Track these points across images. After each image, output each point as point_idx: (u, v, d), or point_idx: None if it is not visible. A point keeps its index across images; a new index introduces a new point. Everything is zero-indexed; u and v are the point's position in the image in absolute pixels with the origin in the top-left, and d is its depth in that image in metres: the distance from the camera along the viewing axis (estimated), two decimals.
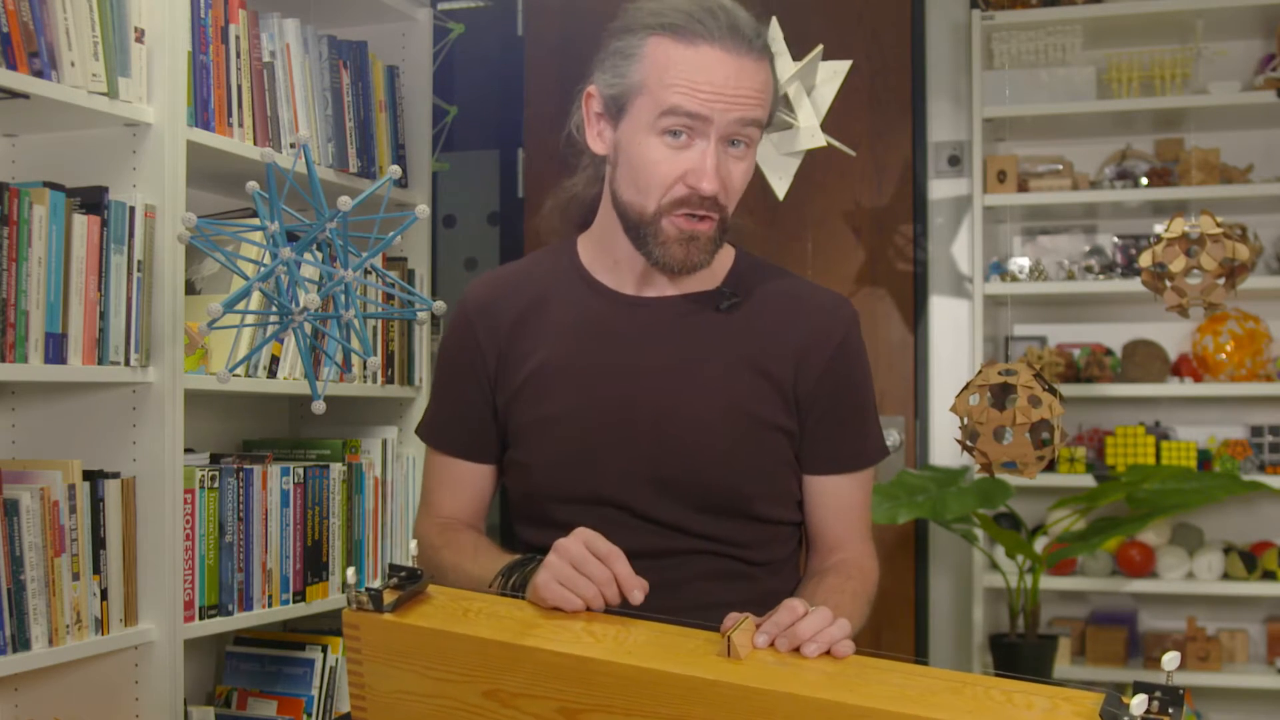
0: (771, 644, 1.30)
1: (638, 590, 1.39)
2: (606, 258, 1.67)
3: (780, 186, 1.99)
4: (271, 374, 2.48)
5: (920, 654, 3.78)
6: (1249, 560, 3.51)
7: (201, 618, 2.29)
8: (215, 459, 2.41)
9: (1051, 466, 3.51)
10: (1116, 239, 3.73)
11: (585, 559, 1.41)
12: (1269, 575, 3.50)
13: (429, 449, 1.78)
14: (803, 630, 1.30)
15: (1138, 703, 1.11)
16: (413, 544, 1.52)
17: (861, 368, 1.70)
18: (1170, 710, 1.13)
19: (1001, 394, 1.73)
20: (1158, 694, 1.13)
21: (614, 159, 1.61)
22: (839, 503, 1.68)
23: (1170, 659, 1.16)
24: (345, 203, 1.62)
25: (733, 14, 1.54)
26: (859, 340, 1.69)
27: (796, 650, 1.29)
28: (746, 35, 1.53)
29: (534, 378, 1.65)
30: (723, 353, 1.63)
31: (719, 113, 1.52)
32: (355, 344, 1.92)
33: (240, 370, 2.37)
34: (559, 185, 1.75)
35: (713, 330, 1.64)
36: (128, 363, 2.15)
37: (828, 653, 1.29)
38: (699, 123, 1.52)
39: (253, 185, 1.70)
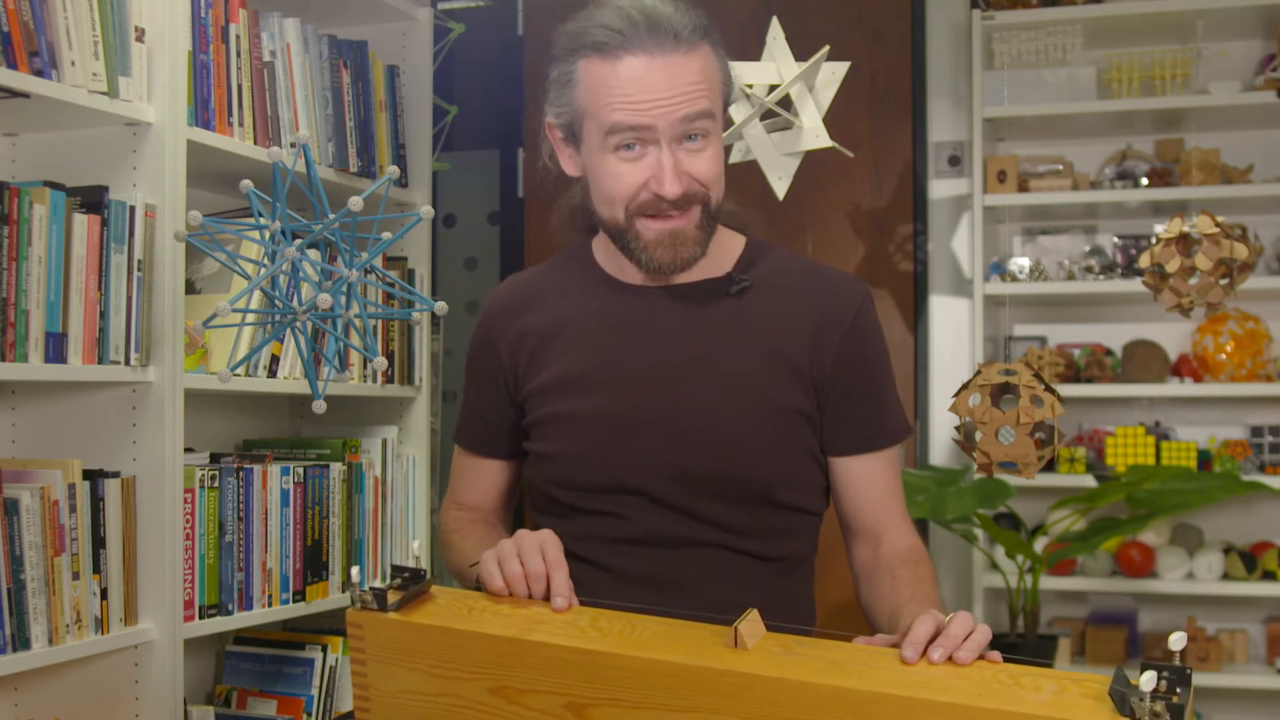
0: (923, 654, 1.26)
1: (561, 599, 1.41)
2: (616, 260, 1.69)
3: (780, 186, 1.99)
4: (271, 374, 2.48)
5: None
6: (1249, 560, 3.51)
7: (201, 617, 2.28)
8: (215, 459, 2.41)
9: (1051, 466, 3.52)
10: (1116, 239, 3.73)
11: (532, 551, 1.45)
12: (1269, 575, 3.50)
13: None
14: (956, 632, 1.27)
15: (1146, 679, 1.11)
16: (414, 544, 1.53)
17: (876, 345, 1.69)
18: (1179, 689, 1.13)
19: (1000, 394, 1.73)
20: (1166, 673, 1.13)
21: (586, 179, 1.64)
22: (870, 484, 1.68)
23: (1177, 638, 1.16)
24: (356, 203, 1.61)
25: (652, 13, 1.54)
26: (872, 318, 1.69)
27: (949, 660, 1.25)
28: (670, 31, 1.53)
29: (555, 376, 1.67)
30: (736, 338, 1.64)
31: (661, 117, 1.53)
32: (358, 343, 1.91)
33: (240, 370, 2.37)
34: (559, 199, 1.78)
35: (726, 316, 1.65)
36: (128, 362, 2.14)
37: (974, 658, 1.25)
38: (645, 132, 1.54)
39: (246, 184, 1.69)
